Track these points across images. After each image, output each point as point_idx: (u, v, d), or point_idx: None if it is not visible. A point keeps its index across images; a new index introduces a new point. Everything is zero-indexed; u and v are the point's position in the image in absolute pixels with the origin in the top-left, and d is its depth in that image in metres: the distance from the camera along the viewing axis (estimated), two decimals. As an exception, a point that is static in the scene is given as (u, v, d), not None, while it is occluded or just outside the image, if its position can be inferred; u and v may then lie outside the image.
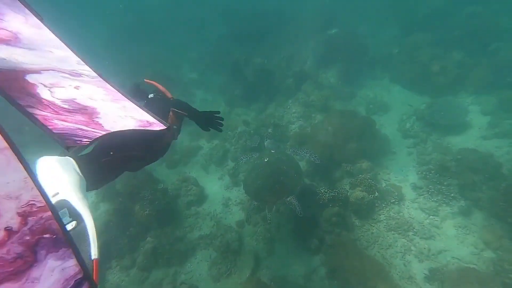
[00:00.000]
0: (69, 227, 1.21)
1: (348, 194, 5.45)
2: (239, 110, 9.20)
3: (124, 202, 6.03)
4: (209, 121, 2.34)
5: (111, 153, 1.79)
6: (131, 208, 5.92)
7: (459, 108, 7.35)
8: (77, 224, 1.23)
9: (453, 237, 5.06)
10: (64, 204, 1.26)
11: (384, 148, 6.79)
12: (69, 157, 1.47)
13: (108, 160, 1.77)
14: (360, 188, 5.38)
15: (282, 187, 4.39)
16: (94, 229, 1.22)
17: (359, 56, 9.65)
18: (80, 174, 1.44)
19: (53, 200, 1.25)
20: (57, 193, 1.28)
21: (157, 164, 7.96)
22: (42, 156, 1.38)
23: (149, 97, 2.67)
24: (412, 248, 4.95)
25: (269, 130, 6.41)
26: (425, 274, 4.55)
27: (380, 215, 5.42)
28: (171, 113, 2.38)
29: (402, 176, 6.18)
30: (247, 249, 5.33)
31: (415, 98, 8.41)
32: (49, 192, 1.26)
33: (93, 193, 7.00)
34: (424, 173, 5.95)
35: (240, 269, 5.06)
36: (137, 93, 2.64)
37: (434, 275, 4.46)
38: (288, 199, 4.45)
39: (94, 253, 1.14)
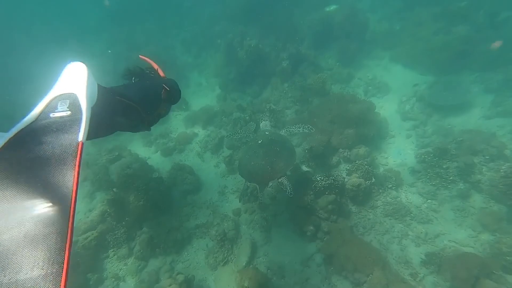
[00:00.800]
0: (62, 114, 1.27)
1: (345, 181, 5.35)
2: (235, 95, 8.95)
3: (118, 192, 5.96)
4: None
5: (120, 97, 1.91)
6: (126, 198, 5.86)
7: (461, 87, 7.11)
8: (71, 114, 1.27)
9: (451, 220, 5.02)
10: (71, 96, 1.35)
11: (382, 131, 6.63)
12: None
13: (120, 101, 1.87)
14: (357, 175, 5.28)
15: (274, 168, 4.41)
16: (87, 123, 1.27)
17: (358, 34, 9.24)
18: (96, 93, 1.54)
19: (65, 91, 1.37)
20: (71, 90, 1.38)
21: (151, 152, 7.88)
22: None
23: (146, 73, 2.65)
24: (409, 233, 4.92)
25: (266, 113, 6.27)
26: (421, 258, 4.54)
27: (377, 200, 5.35)
28: (163, 90, 2.48)
29: (400, 160, 6.07)
30: (243, 237, 5.32)
31: (416, 77, 8.12)
32: (65, 83, 1.40)
33: (88, 182, 6.96)
34: (422, 156, 5.81)
35: (236, 257, 5.07)
36: (133, 73, 2.60)
37: (431, 259, 4.44)
38: (279, 179, 4.48)
39: (81, 137, 1.19)
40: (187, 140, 7.83)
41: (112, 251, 5.54)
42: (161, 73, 2.77)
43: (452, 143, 5.81)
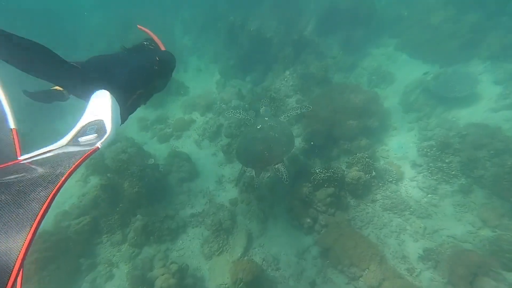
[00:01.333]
0: (90, 137, 1.46)
1: (345, 173, 5.22)
2: (234, 82, 8.69)
3: (113, 177, 5.83)
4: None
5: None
6: (121, 184, 5.75)
7: (468, 78, 6.87)
8: (97, 137, 1.47)
9: (451, 215, 4.93)
10: (99, 122, 1.57)
11: (384, 123, 6.44)
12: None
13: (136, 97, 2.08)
14: (357, 168, 5.14)
15: (272, 153, 4.34)
16: (110, 139, 1.50)
17: (365, 20, 8.87)
18: (120, 115, 1.80)
19: (94, 118, 1.59)
20: (97, 115, 1.61)
21: (148, 138, 7.71)
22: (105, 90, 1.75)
23: (143, 44, 2.55)
24: (408, 227, 4.83)
25: (266, 99, 6.09)
26: (419, 254, 4.46)
27: (376, 194, 5.24)
28: (156, 63, 2.38)
29: (402, 153, 5.92)
30: (239, 228, 5.23)
31: (422, 67, 7.86)
32: (94, 113, 1.62)
33: (83, 166, 6.83)
34: (425, 150, 5.68)
35: (232, 247, 5.01)
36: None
37: (429, 255, 4.37)
38: (276, 166, 4.42)
39: (99, 144, 1.39)
40: (185, 127, 7.66)
41: (106, 237, 5.47)
42: (161, 46, 2.64)
43: (456, 137, 5.65)
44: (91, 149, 1.30)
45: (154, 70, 2.29)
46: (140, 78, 2.14)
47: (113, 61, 2.15)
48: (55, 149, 1.36)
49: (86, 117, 1.59)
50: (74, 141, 1.43)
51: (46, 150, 1.33)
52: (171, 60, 2.53)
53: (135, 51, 2.43)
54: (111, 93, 1.76)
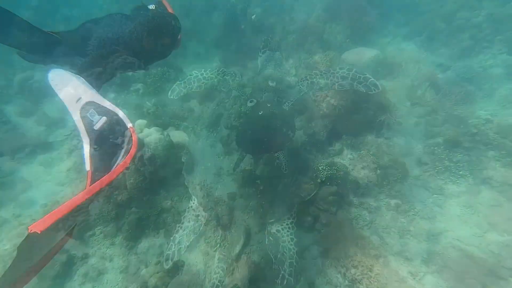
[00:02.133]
0: (101, 122, 1.40)
1: (348, 171, 5.00)
2: (235, 69, 8.30)
3: (106, 169, 5.61)
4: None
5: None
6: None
7: (480, 72, 6.59)
8: (107, 118, 1.42)
9: (456, 217, 4.77)
10: (90, 104, 1.46)
11: (390, 117, 6.15)
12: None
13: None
14: (361, 165, 4.92)
15: (271, 141, 4.24)
16: (124, 114, 1.46)
17: (373, 6, 8.41)
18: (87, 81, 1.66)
19: (81, 103, 1.45)
20: (80, 98, 1.46)
21: (144, 125, 7.41)
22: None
23: (149, 8, 2.46)
24: (411, 228, 4.67)
25: (270, 84, 5.83)
26: (423, 256, 4.32)
27: (380, 193, 5.05)
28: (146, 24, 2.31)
29: (407, 150, 5.68)
30: (237, 223, 5.04)
31: (431, 59, 7.52)
32: (74, 98, 1.47)
33: (76, 155, 6.61)
34: (431, 147, 5.46)
35: (230, 243, 4.83)
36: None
37: (433, 258, 4.23)
38: (276, 154, 4.35)
39: (129, 124, 1.44)
40: (182, 115, 7.35)
41: (99, 229, 5.29)
42: (169, 9, 2.56)
43: (465, 135, 5.42)
44: (130, 133, 1.41)
45: (137, 29, 2.14)
46: (115, 37, 2.03)
47: (100, 25, 2.11)
48: (89, 148, 1.43)
49: (72, 108, 1.47)
50: (91, 132, 1.41)
51: (88, 155, 1.42)
52: (158, 19, 2.30)
53: (135, 12, 2.37)
54: (65, 67, 1.64)
